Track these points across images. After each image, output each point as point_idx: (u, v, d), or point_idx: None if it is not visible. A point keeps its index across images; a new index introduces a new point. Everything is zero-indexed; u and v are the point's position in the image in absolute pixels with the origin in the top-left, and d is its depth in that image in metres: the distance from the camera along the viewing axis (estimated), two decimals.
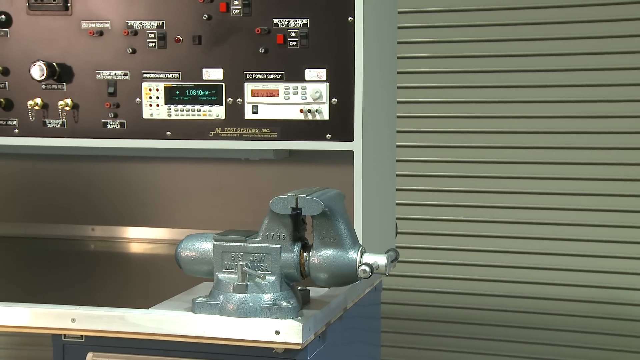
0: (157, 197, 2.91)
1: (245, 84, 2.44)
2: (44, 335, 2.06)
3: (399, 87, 2.91)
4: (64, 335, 2.01)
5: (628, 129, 3.76)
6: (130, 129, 2.54)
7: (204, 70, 2.47)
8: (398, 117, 2.92)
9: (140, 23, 2.50)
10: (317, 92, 2.37)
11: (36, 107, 2.57)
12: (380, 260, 1.93)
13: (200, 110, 2.48)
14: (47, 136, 2.59)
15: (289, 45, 2.39)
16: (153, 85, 2.51)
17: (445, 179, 3.95)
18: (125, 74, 2.53)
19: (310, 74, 2.37)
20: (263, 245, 1.93)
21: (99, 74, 2.54)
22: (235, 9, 2.43)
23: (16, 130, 2.60)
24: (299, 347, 1.86)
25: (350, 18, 2.34)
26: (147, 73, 2.51)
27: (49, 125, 2.58)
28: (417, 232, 3.94)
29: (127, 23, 2.51)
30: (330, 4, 2.35)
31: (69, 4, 2.54)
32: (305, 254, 1.94)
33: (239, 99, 2.45)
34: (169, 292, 2.15)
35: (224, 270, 1.95)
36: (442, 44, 3.99)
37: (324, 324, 2.02)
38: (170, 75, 2.49)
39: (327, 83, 2.38)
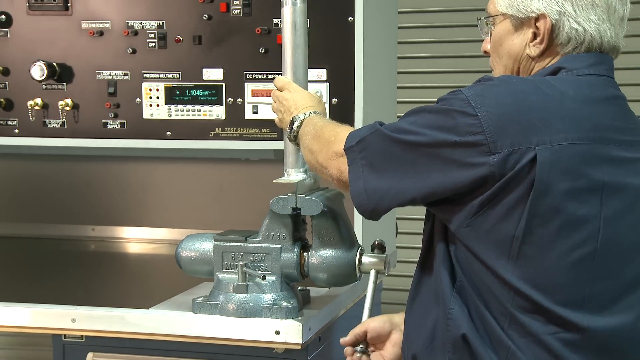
0: (157, 197, 2.91)
1: (245, 84, 2.44)
2: (44, 335, 2.06)
3: (399, 87, 2.91)
4: (64, 335, 2.01)
5: None
6: (130, 129, 2.53)
7: (204, 70, 2.47)
8: (398, 117, 2.91)
9: (141, 23, 2.50)
10: (317, 92, 2.36)
11: (36, 107, 2.57)
12: (379, 260, 1.93)
13: (200, 110, 2.48)
14: (47, 136, 2.59)
15: None
16: (153, 85, 2.51)
17: None
18: (125, 74, 2.53)
19: (310, 74, 2.35)
20: (263, 245, 1.93)
21: (99, 74, 2.54)
22: (235, 9, 2.43)
23: (16, 130, 2.60)
24: (299, 347, 1.86)
25: (350, 18, 2.34)
26: (147, 73, 2.51)
27: (49, 125, 2.58)
28: (417, 232, 3.93)
29: (127, 23, 2.51)
30: (330, 4, 2.35)
31: (69, 4, 2.54)
32: (305, 254, 1.93)
33: (239, 99, 2.45)
34: (169, 292, 2.14)
35: (224, 270, 1.95)
36: (442, 44, 3.99)
37: (324, 324, 2.02)
38: (170, 75, 2.49)
39: (327, 83, 2.38)
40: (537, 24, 1.61)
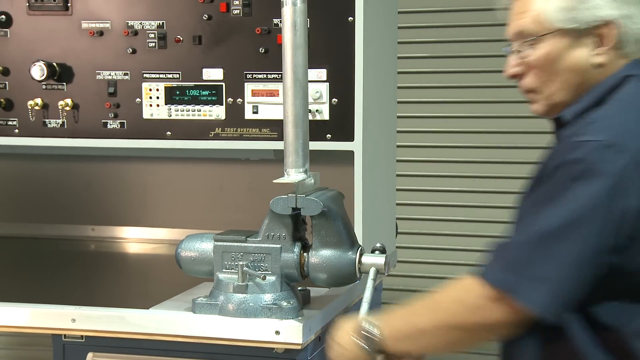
0: (157, 197, 2.91)
1: (245, 84, 2.44)
2: (44, 335, 2.06)
3: (399, 87, 2.91)
4: (64, 335, 2.02)
5: None
6: (130, 129, 2.53)
7: (204, 70, 2.47)
8: (398, 117, 2.91)
9: (141, 23, 2.50)
10: (317, 92, 2.36)
11: (36, 107, 2.57)
12: (379, 260, 1.94)
13: (200, 111, 2.48)
14: (47, 136, 2.59)
15: None
16: (153, 85, 2.51)
17: (445, 179, 3.95)
18: (125, 74, 2.53)
19: (310, 74, 2.35)
20: (263, 245, 1.93)
21: (99, 74, 2.54)
22: (235, 9, 2.43)
23: (16, 130, 2.60)
24: (299, 347, 1.86)
25: (350, 18, 2.34)
26: (147, 73, 2.51)
27: (49, 125, 2.58)
28: (417, 232, 3.94)
29: (127, 23, 2.51)
30: (330, 4, 2.35)
31: (69, 4, 2.54)
32: (305, 254, 1.93)
33: (239, 99, 2.45)
34: (169, 292, 2.15)
35: (224, 270, 1.95)
36: (442, 44, 3.98)
37: (324, 324, 2.02)
38: (170, 75, 2.49)
39: (327, 83, 2.38)
40: (598, 32, 1.58)
